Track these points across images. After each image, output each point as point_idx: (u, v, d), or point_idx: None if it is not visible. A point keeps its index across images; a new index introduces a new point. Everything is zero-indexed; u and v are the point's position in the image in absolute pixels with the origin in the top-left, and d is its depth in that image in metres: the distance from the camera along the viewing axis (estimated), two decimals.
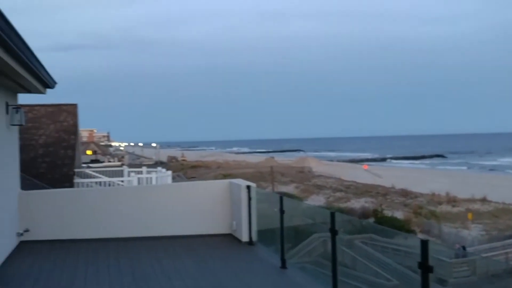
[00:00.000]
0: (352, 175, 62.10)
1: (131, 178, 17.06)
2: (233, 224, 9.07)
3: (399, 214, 37.63)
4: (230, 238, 9.03)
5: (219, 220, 9.32)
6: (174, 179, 32.82)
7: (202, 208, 9.38)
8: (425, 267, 3.83)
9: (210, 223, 9.34)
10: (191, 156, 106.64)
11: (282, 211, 7.11)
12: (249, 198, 8.54)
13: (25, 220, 8.90)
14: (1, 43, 5.23)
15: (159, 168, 21.06)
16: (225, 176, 48.97)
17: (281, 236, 7.15)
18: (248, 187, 8.62)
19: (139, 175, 17.48)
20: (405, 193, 48.02)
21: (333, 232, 5.56)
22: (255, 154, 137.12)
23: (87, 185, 16.62)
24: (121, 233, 9.19)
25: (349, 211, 36.26)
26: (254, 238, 8.57)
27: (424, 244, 3.84)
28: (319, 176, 63.67)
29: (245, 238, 8.62)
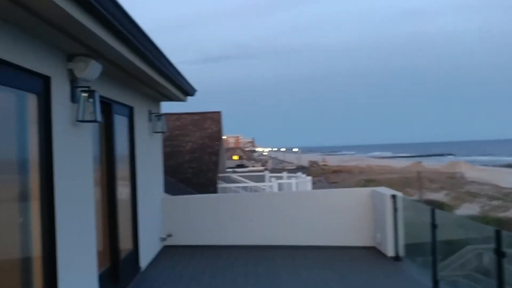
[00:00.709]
0: (511, 182, 56.34)
1: (271, 183, 17.02)
2: (377, 237, 8.36)
3: None
4: (374, 252, 8.33)
5: (361, 232, 8.68)
6: (315, 184, 32.48)
7: (342, 218, 8.81)
8: None
9: (351, 234, 8.73)
10: (332, 160, 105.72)
11: (434, 226, 6.25)
12: (395, 209, 7.77)
13: (168, 225, 9.12)
14: (142, 57, 5.32)
15: (299, 174, 20.82)
16: (367, 182, 47.45)
17: (433, 254, 6.29)
18: (394, 196, 7.86)
19: (279, 181, 17.38)
20: None
21: (500, 254, 4.65)
22: (399, 158, 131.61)
23: (230, 190, 16.93)
24: (260, 241, 8.99)
25: (507, 221, 32.76)
26: (401, 253, 7.76)
27: None
28: (472, 182, 58.78)
29: (390, 252, 7.86)
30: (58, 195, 4.19)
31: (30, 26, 3.65)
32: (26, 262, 3.93)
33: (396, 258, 7.77)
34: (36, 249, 4.00)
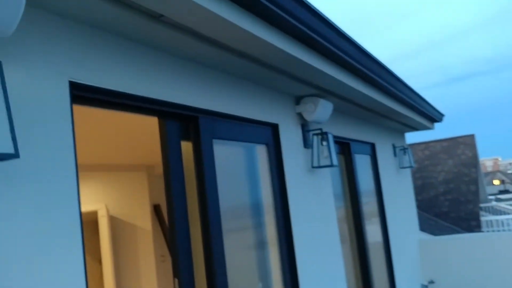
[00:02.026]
0: None
1: None
2: None
3: None
4: None
5: None
6: None
7: None
8: None
9: None
10: None
11: None
12: None
13: (428, 270, 8.12)
14: (380, 89, 4.79)
15: None
16: None
17: None
18: None
19: None
20: None
21: None
22: None
23: (497, 223, 14.83)
24: None
25: None
26: None
27: None
28: None
29: None
30: (297, 241, 3.83)
31: (258, 77, 3.46)
32: None
33: None
34: None
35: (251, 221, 3.53)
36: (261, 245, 3.63)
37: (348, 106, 5.03)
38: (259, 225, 3.62)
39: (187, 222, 2.77)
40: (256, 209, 3.61)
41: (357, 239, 5.57)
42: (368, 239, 5.81)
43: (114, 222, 7.56)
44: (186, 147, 2.89)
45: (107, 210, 7.51)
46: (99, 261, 7.72)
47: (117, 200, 7.52)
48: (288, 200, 3.81)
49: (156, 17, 2.25)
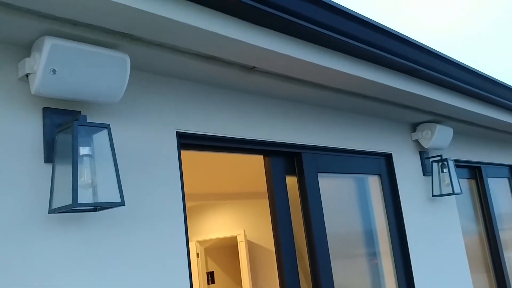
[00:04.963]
0: None
1: None
2: None
3: None
4: None
5: None
6: None
7: None
8: None
9: None
10: None
11: None
12: None
13: None
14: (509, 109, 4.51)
15: None
16: None
17: None
18: None
19: None
20: None
21: None
22: None
23: None
24: None
25: None
26: None
27: None
28: None
29: None
30: (416, 270, 3.75)
31: (365, 109, 3.53)
32: None
33: None
34: None
35: (363, 251, 3.56)
36: (375, 275, 3.63)
37: (473, 129, 4.80)
38: (373, 255, 3.63)
39: (294, 254, 2.93)
40: (369, 238, 3.63)
41: (494, 268, 5.21)
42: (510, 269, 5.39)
43: (251, 246, 7.95)
44: (291, 181, 3.06)
45: (245, 235, 7.92)
46: (240, 285, 8.14)
47: (254, 226, 7.91)
48: (406, 230, 3.76)
49: (249, 69, 2.49)
